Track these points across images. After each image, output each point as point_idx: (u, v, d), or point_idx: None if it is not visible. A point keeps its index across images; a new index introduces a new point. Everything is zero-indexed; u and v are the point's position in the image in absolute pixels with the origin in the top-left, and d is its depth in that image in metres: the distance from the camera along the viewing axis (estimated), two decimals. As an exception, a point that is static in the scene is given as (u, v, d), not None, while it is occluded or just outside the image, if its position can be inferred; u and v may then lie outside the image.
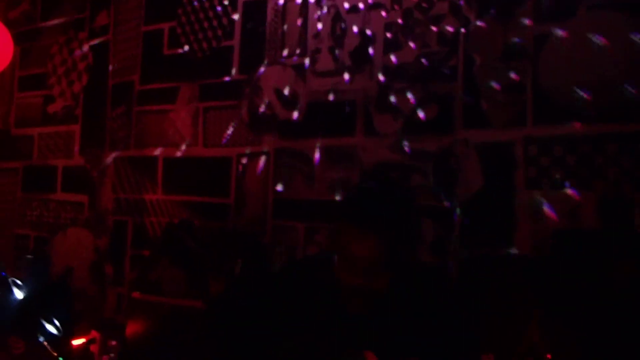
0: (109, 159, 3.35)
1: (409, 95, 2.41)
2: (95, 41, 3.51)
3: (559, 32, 2.12)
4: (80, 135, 3.54)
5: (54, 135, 3.68)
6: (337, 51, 2.61)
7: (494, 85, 2.24)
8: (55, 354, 1.53)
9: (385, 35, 2.49)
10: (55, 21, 3.75)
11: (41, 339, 1.54)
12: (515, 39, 2.20)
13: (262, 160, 2.78)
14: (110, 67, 3.41)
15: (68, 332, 2.14)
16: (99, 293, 3.26)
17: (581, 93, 2.05)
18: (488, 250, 2.18)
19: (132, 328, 2.58)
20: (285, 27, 2.78)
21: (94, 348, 2.62)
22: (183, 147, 3.04)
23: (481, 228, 2.20)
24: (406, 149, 2.39)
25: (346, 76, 2.57)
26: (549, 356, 1.78)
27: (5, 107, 3.97)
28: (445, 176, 2.30)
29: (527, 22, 2.18)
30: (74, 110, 3.59)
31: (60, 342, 1.60)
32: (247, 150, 2.83)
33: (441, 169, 2.31)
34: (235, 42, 2.93)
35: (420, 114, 2.38)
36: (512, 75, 2.20)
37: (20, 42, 3.86)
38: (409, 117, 2.40)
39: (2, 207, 3.90)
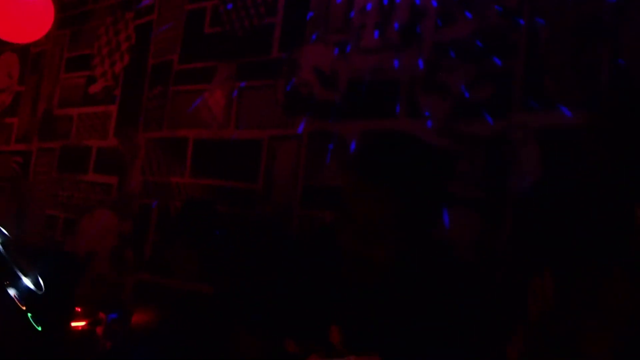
0: (141, 140, 3.23)
1: (461, 74, 2.13)
2: (141, 21, 3.44)
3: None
4: (117, 116, 3.45)
5: (92, 116, 3.61)
6: (383, 27, 2.37)
7: (563, 62, 1.93)
8: (24, 308, 1.32)
9: (438, 8, 2.24)
10: (106, 2, 3.72)
11: (11, 291, 1.33)
12: (591, 9, 1.90)
13: (294, 143, 2.55)
14: (152, 47, 3.31)
15: (62, 307, 1.97)
16: (118, 279, 3.09)
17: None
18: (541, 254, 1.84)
19: (139, 312, 2.38)
20: (330, 1, 2.57)
21: (99, 330, 2.44)
22: (214, 128, 2.87)
23: (536, 227, 1.87)
24: (454, 132, 2.10)
25: (392, 53, 2.32)
26: None
27: (50, 87, 3.96)
28: (496, 165, 1.99)
29: (605, -12, 1.88)
30: (113, 91, 3.51)
31: (36, 299, 1.39)
32: (279, 133, 2.61)
33: (492, 156, 2.00)
34: (278, 19, 2.75)
35: (473, 95, 2.09)
36: (586, 51, 1.89)
37: (71, 24, 3.86)
38: (459, 98, 2.12)
39: (39, 186, 3.85)
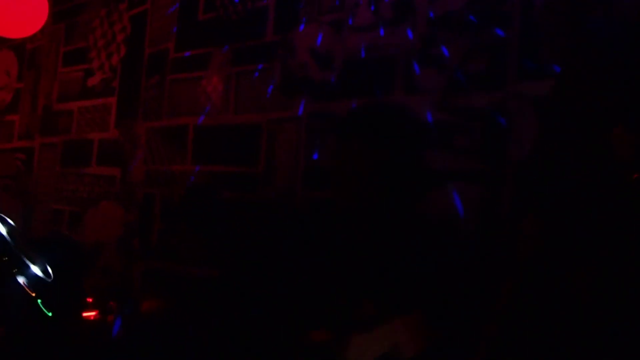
0: (141, 130, 3.24)
1: (456, 47, 2.13)
2: (135, 11, 3.43)
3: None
4: (117, 107, 3.46)
5: (92, 109, 3.62)
6: (377, 2, 2.37)
7: (558, 30, 1.92)
8: (33, 295, 1.35)
9: (431, -19, 2.23)
10: (98, -6, 3.71)
11: (20, 279, 1.36)
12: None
13: (294, 126, 2.55)
14: (147, 38, 3.31)
15: (73, 297, 2.00)
16: (126, 269, 3.13)
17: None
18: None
19: (149, 300, 2.41)
20: (323, -19, 2.56)
21: (111, 318, 2.48)
22: (213, 114, 2.88)
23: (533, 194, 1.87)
24: (451, 106, 2.10)
25: (386, 29, 2.32)
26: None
27: (49, 82, 3.96)
28: (494, 136, 2.00)
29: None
30: (112, 83, 3.52)
31: (45, 286, 1.41)
32: (278, 116, 2.62)
33: (490, 127, 2.01)
34: (271, 1, 2.74)
35: (468, 67, 2.09)
36: (581, 18, 1.88)
37: (65, 18, 3.86)
38: (456, 71, 2.12)
39: (43, 182, 3.87)
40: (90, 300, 2.53)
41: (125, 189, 3.27)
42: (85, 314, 2.33)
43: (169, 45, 3.17)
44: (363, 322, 1.31)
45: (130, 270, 3.07)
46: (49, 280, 1.50)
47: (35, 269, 1.46)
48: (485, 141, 2.01)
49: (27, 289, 1.38)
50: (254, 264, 1.79)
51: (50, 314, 1.38)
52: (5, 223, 1.51)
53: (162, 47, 3.21)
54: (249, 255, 2.06)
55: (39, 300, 1.39)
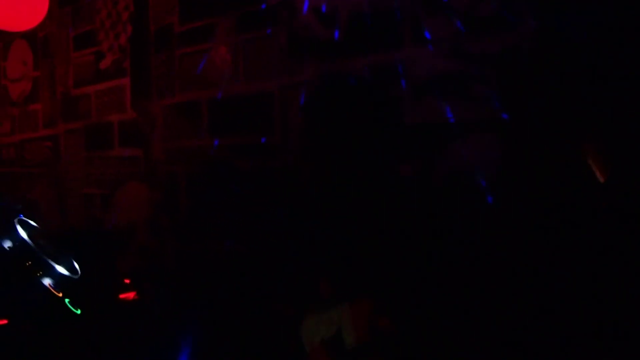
0: (157, 108, 3.23)
1: (464, -10, 2.01)
2: (136, -13, 3.36)
3: None
4: (131, 88, 3.45)
5: (108, 92, 3.62)
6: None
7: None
8: (60, 295, 1.38)
9: None
10: (98, -26, 3.65)
11: (46, 281, 1.39)
12: None
13: (305, 90, 2.50)
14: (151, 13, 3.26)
15: (99, 278, 2.04)
16: (159, 247, 3.20)
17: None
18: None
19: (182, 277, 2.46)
20: None
21: (148, 298, 2.55)
22: (224, 85, 2.84)
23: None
24: (463, 53, 2.00)
25: (389, -21, 2.20)
26: None
27: (64, 68, 3.98)
28: (511, 82, 1.90)
29: None
30: (123, 63, 3.50)
31: (72, 284, 1.44)
32: (289, 82, 2.56)
33: (506, 73, 1.91)
34: (269, -39, 2.64)
35: (478, 10, 1.97)
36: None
37: (70, 1, 3.83)
38: (464, 16, 2.00)
39: (72, 168, 3.95)
40: (127, 281, 2.60)
41: (149, 168, 3.30)
42: (122, 296, 2.39)
43: (173, 20, 3.11)
44: (318, 302, 1.30)
45: (164, 248, 3.14)
46: (76, 277, 1.53)
47: (61, 269, 1.49)
48: (502, 88, 1.92)
49: (53, 291, 1.41)
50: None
51: (79, 312, 1.42)
52: (26, 226, 1.54)
53: (167, 22, 3.15)
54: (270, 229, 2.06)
55: (66, 300, 1.43)
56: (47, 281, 1.43)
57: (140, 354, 1.89)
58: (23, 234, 1.48)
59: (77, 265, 1.56)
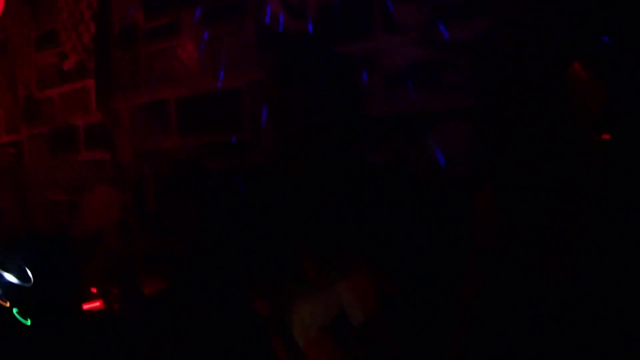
0: (124, 109, 3.12)
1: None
2: (98, -15, 3.24)
3: None
4: (96, 88, 3.32)
5: (72, 94, 3.49)
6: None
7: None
8: (7, 304, 1.27)
9: None
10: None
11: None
12: None
13: (270, 82, 2.41)
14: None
15: (66, 289, 1.93)
16: (127, 251, 3.07)
17: None
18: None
19: (151, 280, 2.35)
20: None
21: (116, 306, 2.43)
22: (192, 82, 2.74)
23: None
24: (436, 41, 1.94)
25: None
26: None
27: (26, 70, 3.83)
28: (485, 68, 1.84)
29: None
30: (87, 64, 3.37)
31: (22, 293, 1.33)
32: (258, 77, 2.47)
33: (480, 59, 1.85)
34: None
35: (450, -5, 1.91)
36: None
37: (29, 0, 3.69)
38: (436, 2, 1.94)
39: (37, 174, 3.79)
40: (94, 290, 2.48)
41: (117, 171, 3.18)
42: (87, 306, 2.28)
43: (138, 17, 3.00)
44: (305, 287, 1.19)
45: (131, 251, 3.01)
46: (28, 285, 1.42)
47: (10, 277, 1.38)
48: (476, 75, 1.86)
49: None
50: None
51: (28, 322, 1.31)
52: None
53: (131, 20, 3.04)
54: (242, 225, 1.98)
55: (14, 310, 1.32)
56: (-7, 290, 1.32)
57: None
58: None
59: (29, 273, 1.44)
